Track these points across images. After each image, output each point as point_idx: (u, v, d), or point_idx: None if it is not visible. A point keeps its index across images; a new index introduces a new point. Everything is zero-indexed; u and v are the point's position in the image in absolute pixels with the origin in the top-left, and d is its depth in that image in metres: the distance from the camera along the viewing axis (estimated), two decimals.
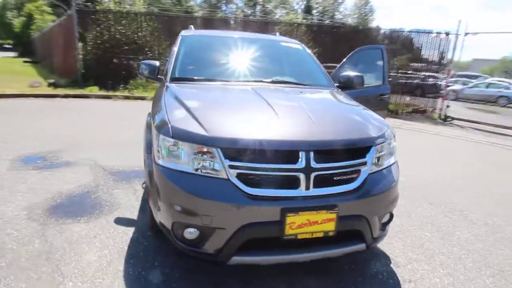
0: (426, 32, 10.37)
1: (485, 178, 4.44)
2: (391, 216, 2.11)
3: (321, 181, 1.79)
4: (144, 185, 3.37)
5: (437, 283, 2.11)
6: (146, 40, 11.49)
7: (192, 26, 3.76)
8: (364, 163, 1.91)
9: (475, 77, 20.70)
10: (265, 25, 12.99)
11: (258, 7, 51.47)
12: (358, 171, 1.90)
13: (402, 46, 11.24)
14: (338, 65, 3.72)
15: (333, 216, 1.76)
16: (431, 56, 10.69)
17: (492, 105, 15.56)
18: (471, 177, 4.43)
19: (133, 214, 2.79)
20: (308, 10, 50.27)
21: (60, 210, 2.80)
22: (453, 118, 10.21)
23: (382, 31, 12.44)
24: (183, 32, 3.36)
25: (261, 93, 2.35)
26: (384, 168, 2.05)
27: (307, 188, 1.76)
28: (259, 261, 1.78)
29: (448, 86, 10.11)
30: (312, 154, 1.77)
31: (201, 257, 1.84)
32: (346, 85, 3.11)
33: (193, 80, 2.71)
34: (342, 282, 2.07)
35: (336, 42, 11.62)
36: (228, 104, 2.30)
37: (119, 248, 2.28)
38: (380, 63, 3.92)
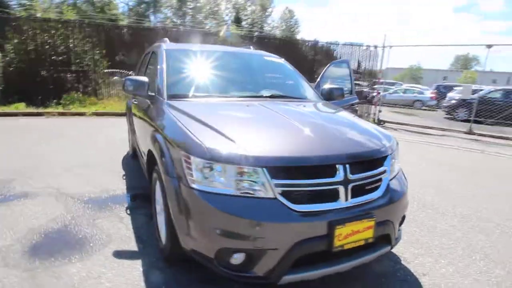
0: (358, 45, 11.46)
1: (434, 175, 5.06)
2: (403, 217, 2.30)
3: (355, 192, 1.88)
4: (128, 211, 3.09)
5: (444, 272, 2.35)
6: (79, 50, 10.52)
7: (167, 39, 3.60)
8: (384, 171, 2.06)
9: (392, 84, 23.45)
10: (199, 35, 12.90)
11: (188, 17, 50.99)
12: (380, 180, 2.04)
13: (325, 56, 12.22)
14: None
15: (372, 223, 1.85)
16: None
17: (410, 108, 17.79)
18: (421, 173, 5.00)
19: (131, 245, 2.54)
20: (237, 21, 51.47)
21: (42, 251, 2.40)
22: (385, 122, 11.40)
23: (311, 43, 13.32)
24: (165, 46, 3.20)
25: (273, 108, 2.36)
26: (397, 174, 2.23)
27: (346, 199, 1.83)
28: (309, 277, 1.78)
29: (379, 93, 11.28)
30: (348, 166, 1.84)
31: (248, 281, 1.77)
32: (328, 97, 3.29)
33: (193, 96, 2.60)
34: (368, 285, 2.17)
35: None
36: (249, 121, 2.25)
37: (135, 285, 2.06)
38: (348, 75, 4.23)
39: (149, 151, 2.44)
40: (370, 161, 1.99)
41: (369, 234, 1.86)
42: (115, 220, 2.92)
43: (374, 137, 2.21)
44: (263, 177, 1.69)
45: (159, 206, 2.49)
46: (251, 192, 1.71)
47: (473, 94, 12.43)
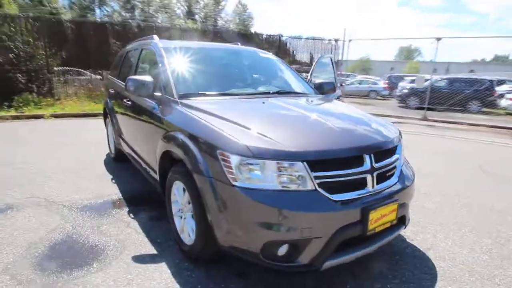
0: (320, 39, 11.87)
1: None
2: None
3: (378, 179, 2.03)
4: (131, 215, 3.00)
5: (444, 246, 2.62)
6: (28, 48, 9.63)
7: (155, 36, 3.48)
8: (397, 159, 2.25)
9: (347, 75, 24.60)
10: (152, 30, 12.36)
11: (137, 11, 48.69)
12: (395, 167, 2.22)
13: (279, 49, 12.55)
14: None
15: (396, 206, 2.03)
16: (303, 58, 12.36)
17: (366, 98, 18.87)
18: None
19: (148, 249, 2.48)
20: (190, 15, 50.28)
21: (53, 264, 2.26)
22: None
23: (264, 36, 13.50)
24: (160, 43, 3.10)
25: (288, 104, 2.44)
26: (405, 161, 2.44)
27: (373, 186, 1.98)
28: (345, 260, 1.90)
29: (342, 85, 11.83)
30: (372, 156, 1.99)
31: (293, 270, 1.85)
32: (319, 92, 3.44)
33: (204, 95, 2.58)
34: (387, 263, 2.36)
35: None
36: (273, 117, 2.29)
37: (169, 287, 2.04)
38: (331, 69, 4.43)
39: (165, 152, 2.39)
40: (388, 150, 2.16)
41: (393, 216, 2.03)
42: (121, 226, 2.82)
43: (386, 128, 2.39)
44: (303, 170, 1.77)
45: (175, 207, 2.47)
46: (292, 185, 1.78)
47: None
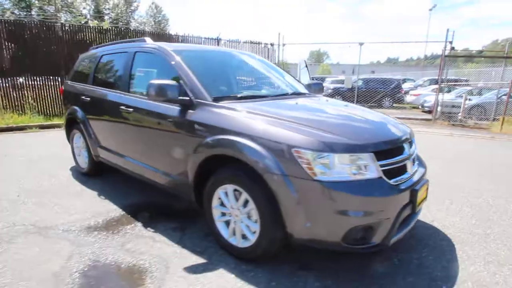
0: (257, 43, 12.31)
1: None
2: None
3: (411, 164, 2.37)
4: (149, 228, 2.82)
5: (444, 216, 3.14)
6: None
7: (148, 38, 3.29)
8: (415, 148, 2.64)
9: None
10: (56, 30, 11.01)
11: (35, 9, 42.86)
12: (416, 154, 2.61)
13: None
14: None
15: (427, 186, 2.39)
16: None
17: None
18: None
19: (194, 259, 2.37)
20: (100, 16, 46.33)
21: None
22: None
23: (203, 39, 13.46)
24: (168, 46, 2.96)
25: (316, 103, 2.64)
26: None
27: (411, 170, 2.31)
28: (401, 236, 2.17)
29: None
30: (408, 144, 2.32)
31: (368, 250, 2.03)
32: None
33: (236, 98, 2.59)
34: (413, 239, 2.72)
35: None
36: (318, 116, 2.43)
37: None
38: (306, 71, 4.76)
39: (208, 158, 2.34)
40: (412, 139, 2.52)
41: (426, 194, 2.40)
42: (147, 241, 2.63)
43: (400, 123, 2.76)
44: (371, 160, 1.98)
45: (217, 213, 2.44)
46: (363, 175, 1.97)
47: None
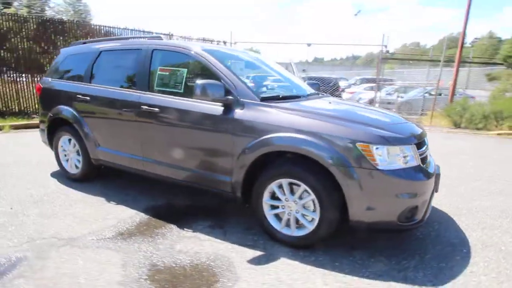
0: (210, 41, 12.24)
1: None
2: None
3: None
4: (188, 229, 2.83)
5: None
6: None
7: (163, 36, 3.21)
8: None
9: None
10: None
11: None
12: None
13: None
14: None
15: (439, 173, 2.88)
16: None
17: None
18: None
19: (251, 253, 2.46)
20: (8, 3, 40.32)
21: None
22: None
23: (153, 34, 12.91)
24: (197, 47, 2.95)
25: (342, 103, 2.95)
26: None
27: (429, 160, 2.76)
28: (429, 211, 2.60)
29: None
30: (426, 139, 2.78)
31: (413, 227, 2.39)
32: None
33: (278, 98, 2.74)
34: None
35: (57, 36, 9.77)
36: (356, 113, 2.74)
37: (320, 271, 2.23)
38: (292, 71, 5.06)
39: (262, 155, 2.46)
40: None
41: None
42: (194, 241, 2.64)
43: None
44: (414, 151, 2.35)
45: (267, 205, 2.58)
46: (409, 163, 2.32)
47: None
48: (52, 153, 4.11)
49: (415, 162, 2.36)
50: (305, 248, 2.52)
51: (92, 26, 10.76)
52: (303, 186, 2.39)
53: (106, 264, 2.30)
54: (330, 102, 2.99)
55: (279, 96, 2.79)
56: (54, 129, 3.91)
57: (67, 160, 3.92)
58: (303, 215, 2.47)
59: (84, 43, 3.91)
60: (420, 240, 2.72)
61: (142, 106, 3.03)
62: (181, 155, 2.92)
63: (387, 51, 11.57)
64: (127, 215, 3.07)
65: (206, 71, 2.82)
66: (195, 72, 2.85)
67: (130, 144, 3.26)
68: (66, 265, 2.27)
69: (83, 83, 3.57)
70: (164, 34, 11.08)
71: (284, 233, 2.55)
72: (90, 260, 2.34)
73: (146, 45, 3.19)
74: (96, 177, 3.92)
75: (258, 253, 2.48)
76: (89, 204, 3.30)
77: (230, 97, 2.62)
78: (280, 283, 2.12)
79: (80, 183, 3.83)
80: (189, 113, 2.80)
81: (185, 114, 2.83)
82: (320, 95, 3.47)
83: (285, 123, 2.43)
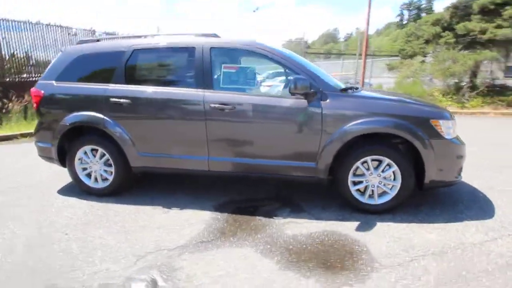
0: (138, 37, 11.40)
1: None
2: None
3: None
4: (286, 227, 3.03)
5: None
6: None
7: (213, 33, 3.22)
8: None
9: None
10: None
11: None
12: None
13: None
14: None
15: None
16: None
17: None
18: None
19: (354, 224, 2.85)
20: None
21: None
22: None
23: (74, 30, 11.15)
24: (244, 42, 3.11)
25: (386, 92, 3.55)
26: None
27: None
28: None
29: None
30: None
31: (457, 182, 3.13)
32: None
33: (346, 89, 3.12)
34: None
35: None
36: (412, 99, 3.39)
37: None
38: None
39: (362, 135, 2.86)
40: None
41: None
42: (295, 225, 2.86)
43: None
44: (454, 125, 3.09)
45: (351, 182, 2.99)
46: (452, 135, 3.05)
47: None
48: (46, 167, 3.54)
49: (456, 133, 3.12)
50: (384, 212, 3.02)
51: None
52: (386, 160, 2.89)
53: (247, 259, 2.36)
54: (378, 91, 3.59)
55: (347, 87, 3.20)
56: (68, 141, 3.39)
57: (89, 174, 3.46)
58: (385, 185, 2.97)
59: (98, 40, 3.47)
60: (445, 198, 3.52)
61: (211, 105, 3.01)
62: (262, 149, 3.05)
63: (308, 46, 12.93)
64: (207, 217, 3.03)
65: (276, 67, 3.02)
66: (269, 68, 3.02)
67: (191, 144, 3.17)
68: (211, 268, 2.24)
69: (118, 84, 3.23)
70: (85, 30, 9.92)
71: (368, 203, 3.01)
72: (227, 259, 2.35)
73: (201, 43, 3.13)
74: (128, 188, 3.58)
75: (356, 223, 2.88)
76: (150, 214, 3.09)
77: (313, 89, 2.90)
78: (399, 239, 2.59)
79: (112, 197, 3.44)
80: (270, 108, 2.96)
81: (266, 109, 2.98)
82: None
83: (374, 109, 2.87)
